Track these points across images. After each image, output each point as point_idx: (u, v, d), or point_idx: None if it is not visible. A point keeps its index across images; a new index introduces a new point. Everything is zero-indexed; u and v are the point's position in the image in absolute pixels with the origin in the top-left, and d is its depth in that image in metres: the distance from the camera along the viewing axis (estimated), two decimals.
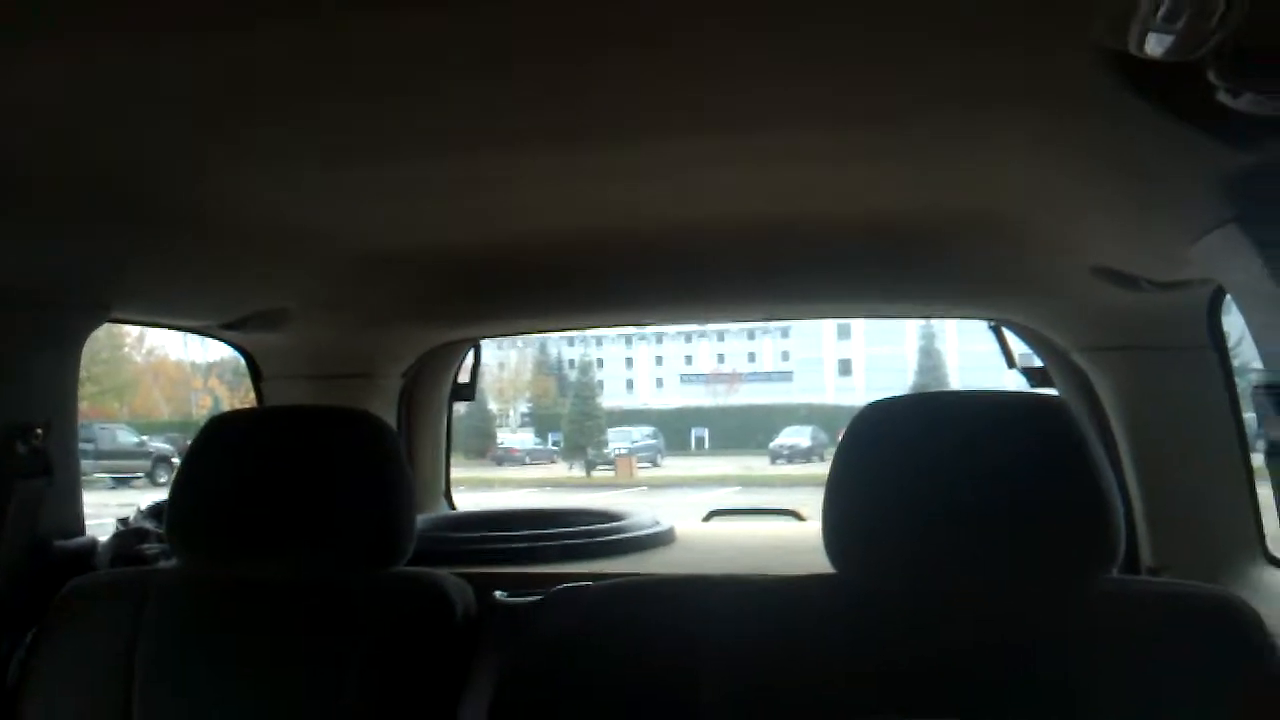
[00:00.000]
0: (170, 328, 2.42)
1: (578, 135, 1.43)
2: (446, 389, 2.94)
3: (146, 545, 2.00)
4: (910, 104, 1.30)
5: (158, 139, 1.37)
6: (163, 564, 1.95)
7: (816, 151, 1.53)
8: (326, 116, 1.32)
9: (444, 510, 2.96)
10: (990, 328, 2.53)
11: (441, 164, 1.54)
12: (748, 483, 22.67)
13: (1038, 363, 2.51)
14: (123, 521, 2.08)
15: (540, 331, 3.30)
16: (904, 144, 1.47)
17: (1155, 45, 0.93)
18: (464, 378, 2.97)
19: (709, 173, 1.62)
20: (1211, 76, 0.95)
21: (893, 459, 1.46)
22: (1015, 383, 2.54)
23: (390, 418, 2.66)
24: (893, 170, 1.61)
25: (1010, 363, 2.57)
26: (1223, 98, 0.99)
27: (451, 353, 2.86)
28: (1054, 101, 1.24)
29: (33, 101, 1.21)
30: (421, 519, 1.92)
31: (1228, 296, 2.00)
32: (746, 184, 1.69)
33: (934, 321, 33.62)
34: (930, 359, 35.33)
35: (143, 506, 2.12)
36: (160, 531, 1.92)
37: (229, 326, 2.30)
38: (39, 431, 1.81)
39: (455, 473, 3.08)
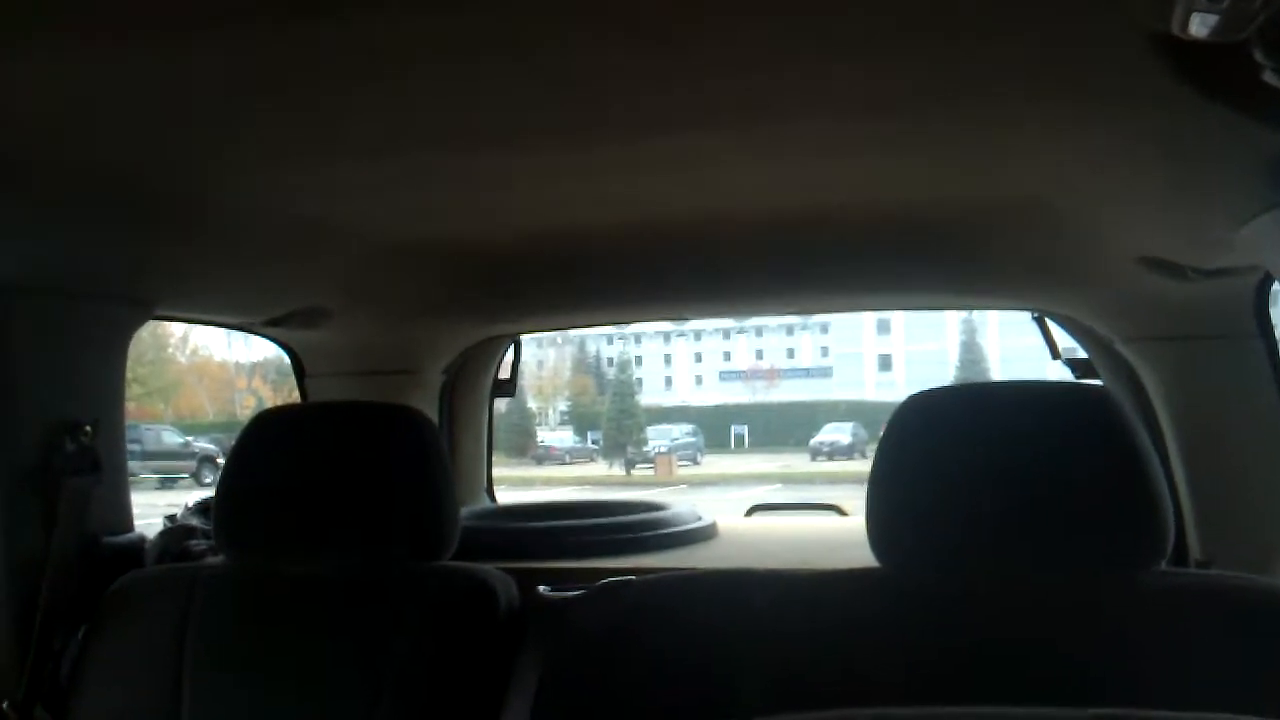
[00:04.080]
0: (214, 325, 2.45)
1: (610, 129, 1.43)
2: (487, 385, 2.95)
3: (194, 541, 2.01)
4: (946, 92, 1.29)
5: (192, 135, 1.39)
6: (209, 560, 1.97)
7: (848, 142, 1.52)
8: (358, 110, 1.33)
9: (486, 504, 2.97)
10: (1034, 319, 2.51)
11: (475, 158, 1.55)
12: (788, 480, 22.56)
13: (1082, 354, 2.49)
14: (170, 518, 2.10)
15: (579, 327, 3.31)
16: (939, 133, 1.46)
17: (1199, 26, 0.91)
18: (504, 374, 2.98)
19: (743, 165, 1.62)
20: (1258, 56, 0.93)
21: (937, 450, 1.45)
22: (1059, 376, 2.52)
23: (432, 414, 2.67)
24: (928, 160, 1.60)
25: (1054, 354, 2.54)
26: (1269, 78, 0.97)
27: (492, 349, 2.87)
28: (1095, 86, 1.22)
29: (70, 99, 1.23)
30: (465, 512, 1.93)
31: (1275, 285, 1.99)
32: (780, 176, 1.68)
33: (975, 315, 33.44)
34: (971, 353, 35.04)
35: (190, 504, 2.14)
36: (207, 528, 1.94)
37: (272, 323, 2.32)
38: (87, 429, 1.84)
39: (496, 471, 3.09)
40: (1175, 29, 0.94)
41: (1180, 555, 2.13)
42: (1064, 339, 2.53)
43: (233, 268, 1.97)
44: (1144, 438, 1.41)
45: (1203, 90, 1.10)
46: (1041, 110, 1.34)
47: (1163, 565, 1.42)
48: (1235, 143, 1.24)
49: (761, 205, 1.85)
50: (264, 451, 1.80)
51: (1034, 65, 1.19)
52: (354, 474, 1.75)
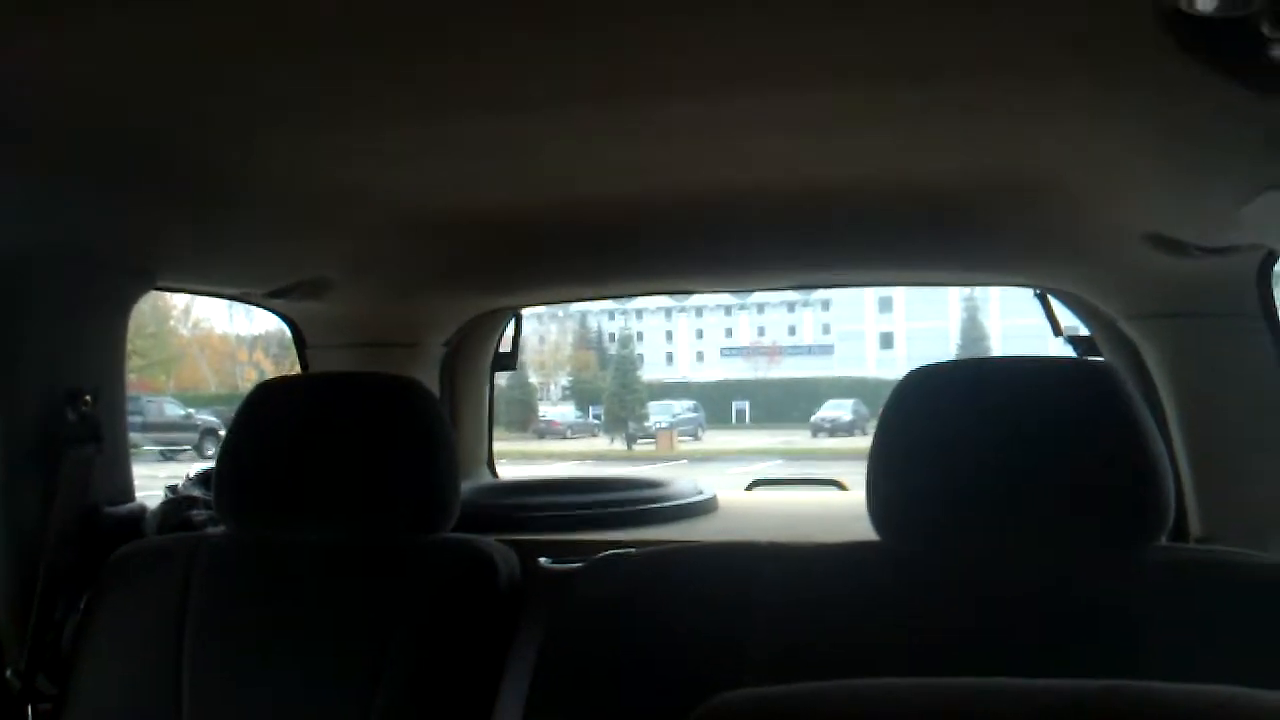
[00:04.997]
0: (216, 296, 2.45)
1: (613, 97, 1.42)
2: (488, 358, 2.94)
3: (195, 511, 2.02)
4: (952, 66, 1.28)
5: (197, 101, 1.38)
6: (210, 530, 1.98)
7: (854, 114, 1.51)
8: (362, 76, 1.32)
9: (487, 479, 2.98)
10: (1036, 295, 2.50)
11: (478, 126, 1.54)
12: (789, 456, 22.55)
13: (1084, 332, 2.48)
14: (171, 489, 2.10)
15: (580, 299, 3.30)
16: (946, 107, 1.45)
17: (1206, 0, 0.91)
18: (505, 347, 2.98)
19: (746, 136, 1.61)
20: (1266, 30, 0.93)
21: (937, 425, 1.45)
22: (1061, 353, 2.51)
23: (433, 387, 2.67)
24: (934, 134, 1.59)
25: (1056, 331, 2.54)
26: (1277, 53, 0.96)
27: (492, 322, 2.87)
28: (1101, 62, 1.22)
29: (74, 65, 1.23)
30: (466, 486, 1.93)
31: (1278, 263, 1.98)
32: (785, 148, 1.68)
33: (977, 294, 33.34)
34: (973, 332, 34.98)
35: (191, 474, 2.14)
36: (208, 498, 1.94)
37: (274, 295, 2.31)
38: (88, 398, 1.84)
39: (497, 446, 3.09)
40: (1182, 3, 0.94)
41: (1180, 532, 2.13)
42: (1066, 317, 2.52)
43: (235, 238, 1.96)
44: (1145, 413, 1.40)
45: (1209, 65, 1.10)
46: (1047, 86, 1.33)
47: (1163, 541, 1.43)
48: (1242, 119, 1.23)
49: (771, 178, 1.84)
50: (265, 421, 1.80)
51: (1040, 40, 1.18)
52: (355, 444, 1.75)
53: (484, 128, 1.56)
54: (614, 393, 32.98)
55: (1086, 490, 1.39)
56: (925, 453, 1.45)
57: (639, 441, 27.87)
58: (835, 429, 28.00)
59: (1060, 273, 2.30)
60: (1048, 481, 1.39)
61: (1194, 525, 2.15)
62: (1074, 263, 2.18)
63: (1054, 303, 2.49)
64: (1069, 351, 2.51)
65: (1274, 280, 2.07)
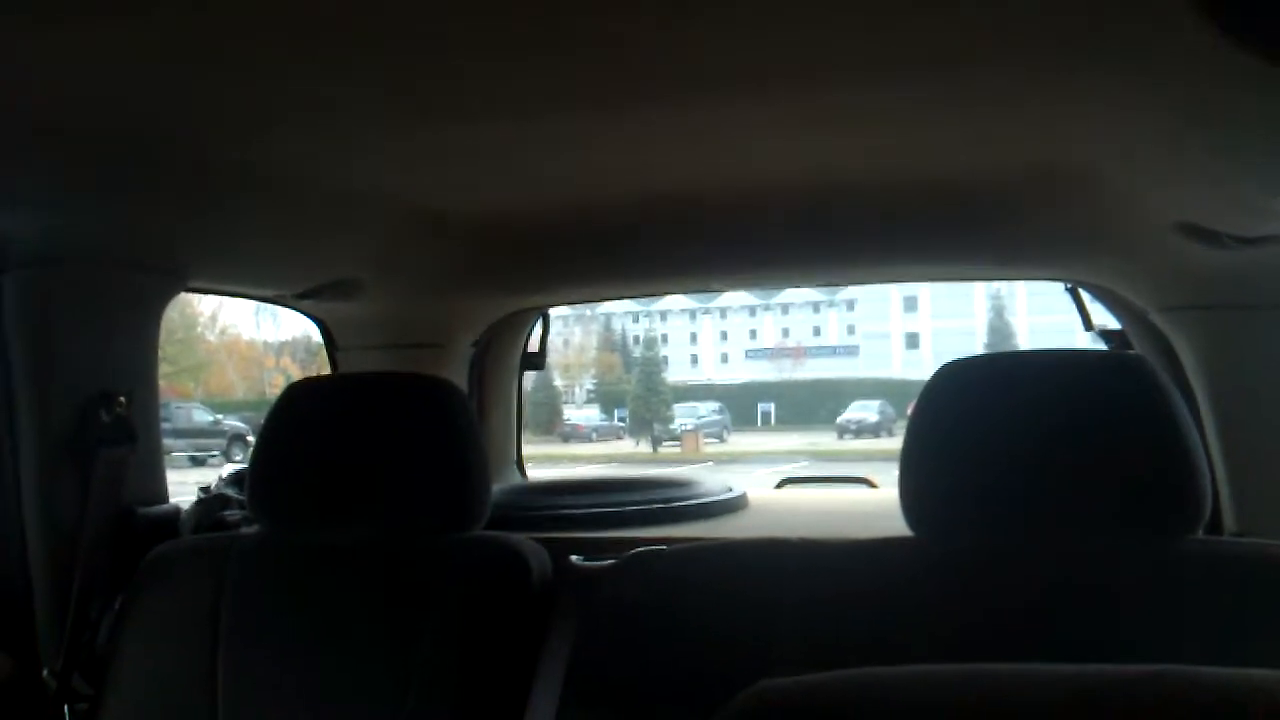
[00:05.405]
0: (246, 297, 2.46)
1: (635, 97, 1.42)
2: (516, 358, 2.95)
3: (229, 511, 2.03)
4: (981, 57, 1.27)
5: (226, 101, 1.39)
6: (244, 530, 1.99)
7: (877, 109, 1.50)
8: (391, 76, 1.33)
9: (516, 479, 2.98)
10: (1066, 289, 2.48)
11: (505, 127, 1.55)
12: (816, 457, 22.50)
13: (1115, 326, 2.47)
14: (204, 489, 2.12)
15: (608, 299, 3.30)
16: (974, 99, 1.45)
17: None
18: (533, 347, 2.98)
19: (777, 134, 1.61)
20: None
21: (970, 419, 1.44)
22: (1091, 348, 2.49)
23: (462, 386, 2.67)
24: (963, 127, 1.58)
25: (1088, 325, 2.52)
26: None
27: (520, 321, 2.87)
28: (1133, 49, 1.20)
29: (103, 64, 1.24)
30: (496, 489, 1.94)
31: None
32: (813, 145, 1.67)
33: (1003, 292, 33.18)
34: (1000, 330, 34.85)
35: (224, 474, 2.16)
36: (241, 498, 1.95)
37: (303, 296, 2.32)
38: (122, 400, 1.85)
39: (523, 449, 3.09)
40: None
41: (1215, 526, 2.11)
42: (1096, 313, 2.51)
43: (266, 238, 1.97)
44: (1180, 405, 1.39)
45: (1242, 45, 1.08)
46: (1078, 74, 1.32)
47: (1199, 534, 1.41)
48: (1277, 101, 1.21)
49: (794, 174, 1.84)
50: (297, 422, 1.80)
51: (1070, 28, 1.17)
52: (385, 444, 1.75)
53: (509, 129, 1.56)
54: (639, 395, 33.01)
55: (1121, 483, 1.38)
56: (958, 447, 1.44)
57: (664, 444, 27.90)
58: (861, 430, 27.96)
59: (1090, 265, 2.29)
60: (1081, 475, 1.38)
61: (1229, 518, 2.13)
62: (1105, 255, 2.16)
63: (1085, 297, 2.48)
64: (1100, 346, 2.49)
65: None
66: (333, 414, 1.80)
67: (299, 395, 1.86)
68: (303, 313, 2.54)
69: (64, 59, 1.22)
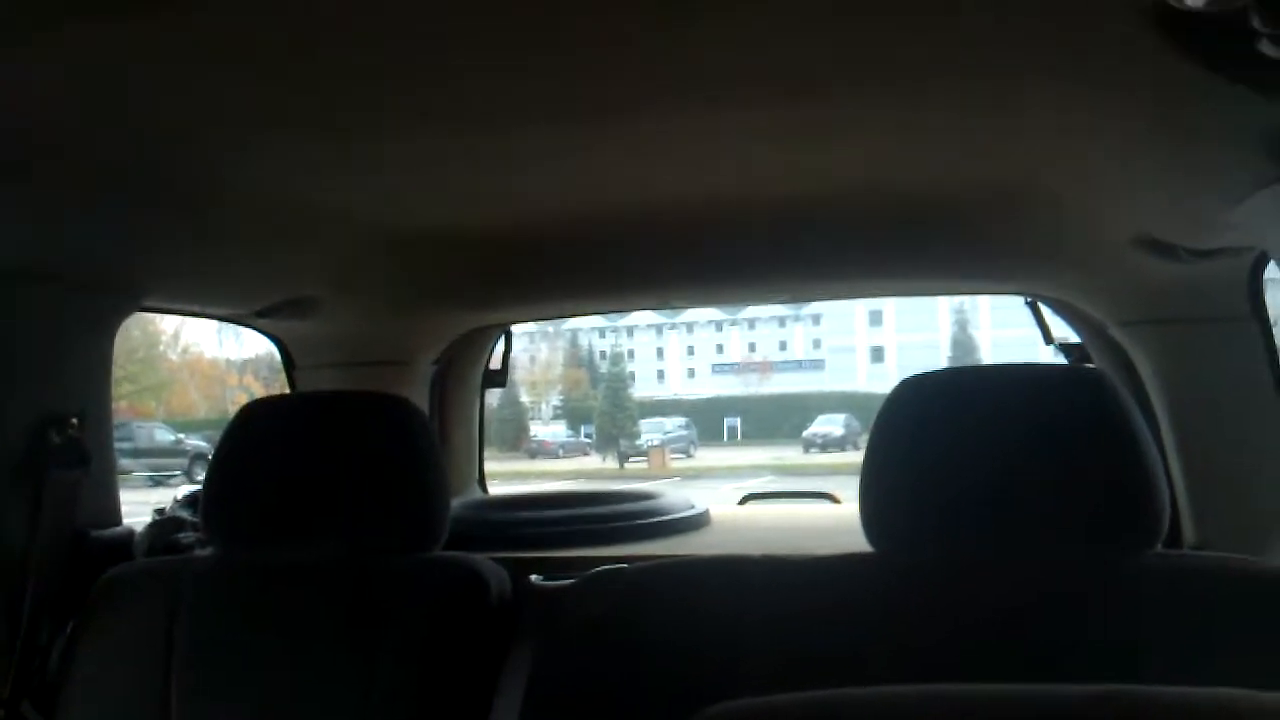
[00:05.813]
0: (203, 316, 2.43)
1: (598, 111, 1.42)
2: (478, 376, 2.94)
3: (182, 534, 2.00)
4: (937, 72, 1.27)
5: (182, 119, 1.37)
6: (198, 552, 1.96)
7: (840, 124, 1.51)
8: (350, 93, 1.32)
9: (478, 495, 2.96)
10: (1027, 304, 2.50)
11: (465, 143, 1.54)
12: (782, 471, 22.55)
13: (1075, 339, 2.48)
14: (159, 511, 2.08)
15: (570, 315, 3.30)
16: (931, 115, 1.45)
17: None
18: (495, 365, 2.96)
19: (739, 149, 1.61)
20: (1255, 23, 0.92)
21: (930, 434, 1.44)
22: (1053, 362, 2.51)
23: (423, 405, 2.66)
24: (921, 142, 1.59)
25: (1048, 339, 2.54)
26: (1266, 48, 0.96)
27: (482, 339, 2.86)
28: (1089, 62, 1.21)
29: (61, 82, 1.22)
30: (456, 503, 1.92)
31: (1268, 267, 1.97)
32: (774, 160, 1.67)
33: (967, 307, 33.44)
34: (963, 344, 35.09)
35: (178, 496, 2.13)
36: (195, 520, 1.93)
37: (261, 314, 2.30)
38: (74, 421, 1.82)
39: (489, 466, 3.07)
40: None
41: (1174, 538, 2.12)
42: (1057, 326, 2.52)
43: (221, 256, 1.95)
44: (1139, 419, 1.40)
45: (1198, 63, 1.09)
46: (1035, 88, 1.32)
47: (1158, 548, 1.41)
48: (1231, 117, 1.22)
49: (756, 190, 1.84)
50: (253, 442, 1.78)
51: (1027, 42, 1.18)
52: (344, 464, 1.74)
53: (470, 144, 1.55)
54: (605, 411, 32.99)
55: (1080, 497, 1.38)
56: (918, 461, 1.44)
57: (631, 459, 27.87)
58: (827, 444, 28.03)
59: (1049, 279, 2.30)
60: (1041, 489, 1.38)
61: (1188, 531, 2.14)
62: (1062, 268, 2.17)
63: (1045, 311, 2.49)
64: (1060, 360, 2.50)
65: (1265, 283, 2.06)
66: (290, 433, 1.78)
67: (255, 414, 1.83)
68: (261, 331, 2.51)
69: (11, 75, 1.20)
